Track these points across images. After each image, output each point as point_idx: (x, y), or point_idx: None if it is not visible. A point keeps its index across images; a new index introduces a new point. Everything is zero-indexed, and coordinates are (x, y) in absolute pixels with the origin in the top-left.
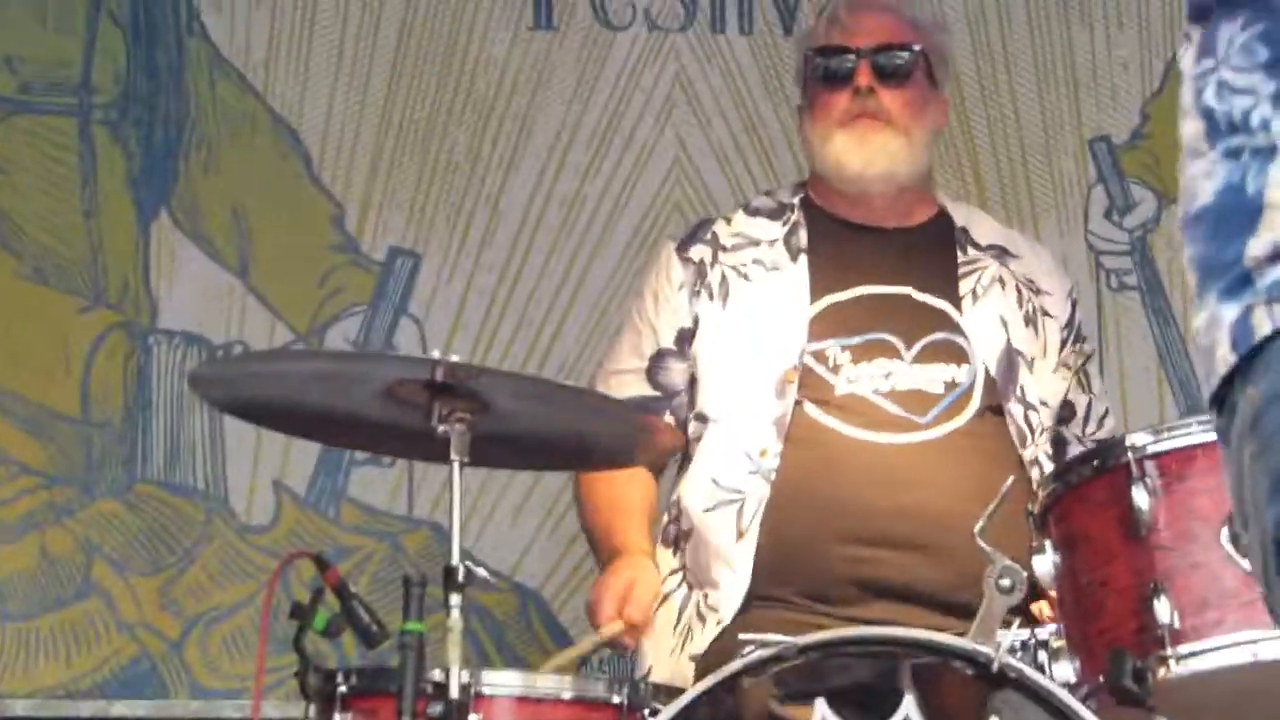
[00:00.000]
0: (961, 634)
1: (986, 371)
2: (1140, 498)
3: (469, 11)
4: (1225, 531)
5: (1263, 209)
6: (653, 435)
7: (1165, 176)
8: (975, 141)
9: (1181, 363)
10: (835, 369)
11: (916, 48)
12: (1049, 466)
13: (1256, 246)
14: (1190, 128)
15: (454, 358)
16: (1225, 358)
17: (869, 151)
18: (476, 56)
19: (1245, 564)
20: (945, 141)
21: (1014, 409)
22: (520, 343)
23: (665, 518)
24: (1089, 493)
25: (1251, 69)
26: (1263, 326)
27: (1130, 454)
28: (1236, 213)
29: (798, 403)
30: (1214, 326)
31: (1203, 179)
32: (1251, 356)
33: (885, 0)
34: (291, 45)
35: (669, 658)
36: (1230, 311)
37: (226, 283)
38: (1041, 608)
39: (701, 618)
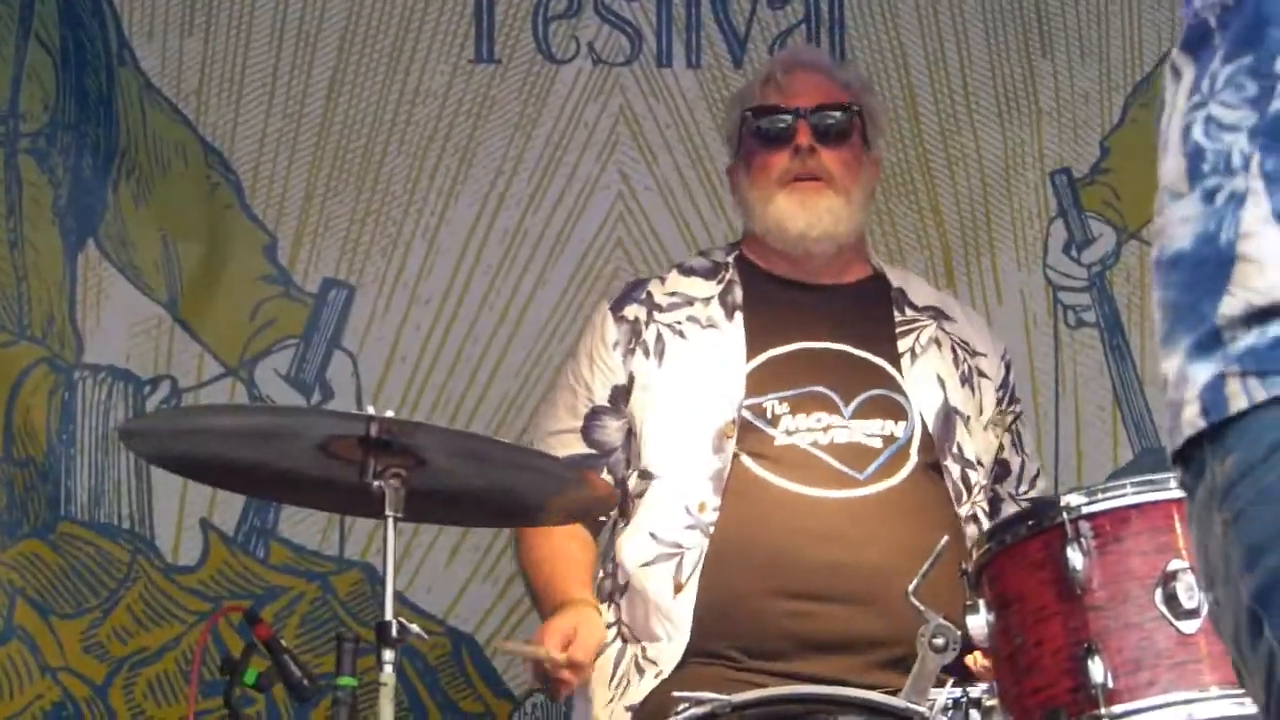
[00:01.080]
0: (897, 690)
1: (924, 428)
2: (1075, 558)
3: (408, 44)
4: (1159, 592)
5: (1235, 260)
6: (588, 492)
7: (1125, 211)
8: (934, 176)
9: (1137, 401)
10: (774, 421)
11: (854, 107)
12: (985, 524)
13: (1230, 305)
14: (1171, 166)
15: (389, 413)
16: (1193, 421)
17: (811, 214)
18: (415, 88)
19: (1179, 624)
20: (903, 176)
21: (951, 466)
22: (458, 379)
23: (601, 573)
24: (1023, 552)
25: (1239, 104)
26: (1237, 400)
27: (1065, 514)
28: (1210, 263)
29: (736, 456)
30: (1182, 384)
31: (1179, 223)
32: (1222, 424)
33: (819, 61)
34: (224, 74)
35: (604, 709)
36: (1201, 373)
37: (155, 315)
38: (976, 658)
39: (640, 670)
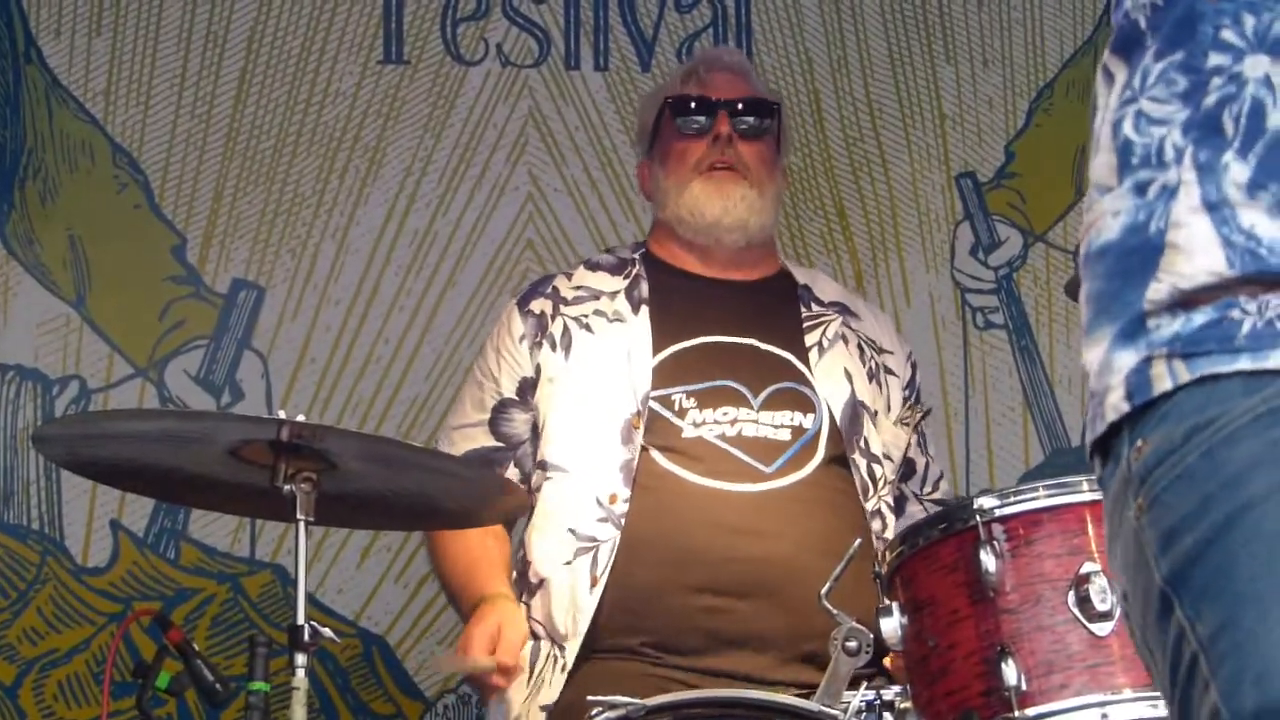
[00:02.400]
0: (810, 689)
1: (832, 421)
2: (987, 561)
3: (316, 44)
4: (1072, 595)
5: (1163, 249)
6: (499, 495)
7: (1031, 215)
8: (839, 181)
9: (1047, 402)
10: (681, 413)
11: (774, 106)
12: (891, 518)
13: (1156, 291)
14: (1101, 162)
15: (300, 417)
16: (1117, 405)
17: (727, 200)
18: (325, 89)
19: (1092, 627)
20: (809, 181)
21: (858, 460)
22: (369, 379)
23: (514, 571)
24: (936, 555)
25: (1169, 98)
26: (1162, 381)
27: (978, 517)
28: (1139, 252)
29: (644, 449)
30: (1106, 371)
31: (1109, 215)
32: (1144, 407)
33: (741, 64)
34: (133, 73)
35: (522, 706)
36: (1126, 359)
37: (63, 314)
38: (894, 658)
39: (554, 668)
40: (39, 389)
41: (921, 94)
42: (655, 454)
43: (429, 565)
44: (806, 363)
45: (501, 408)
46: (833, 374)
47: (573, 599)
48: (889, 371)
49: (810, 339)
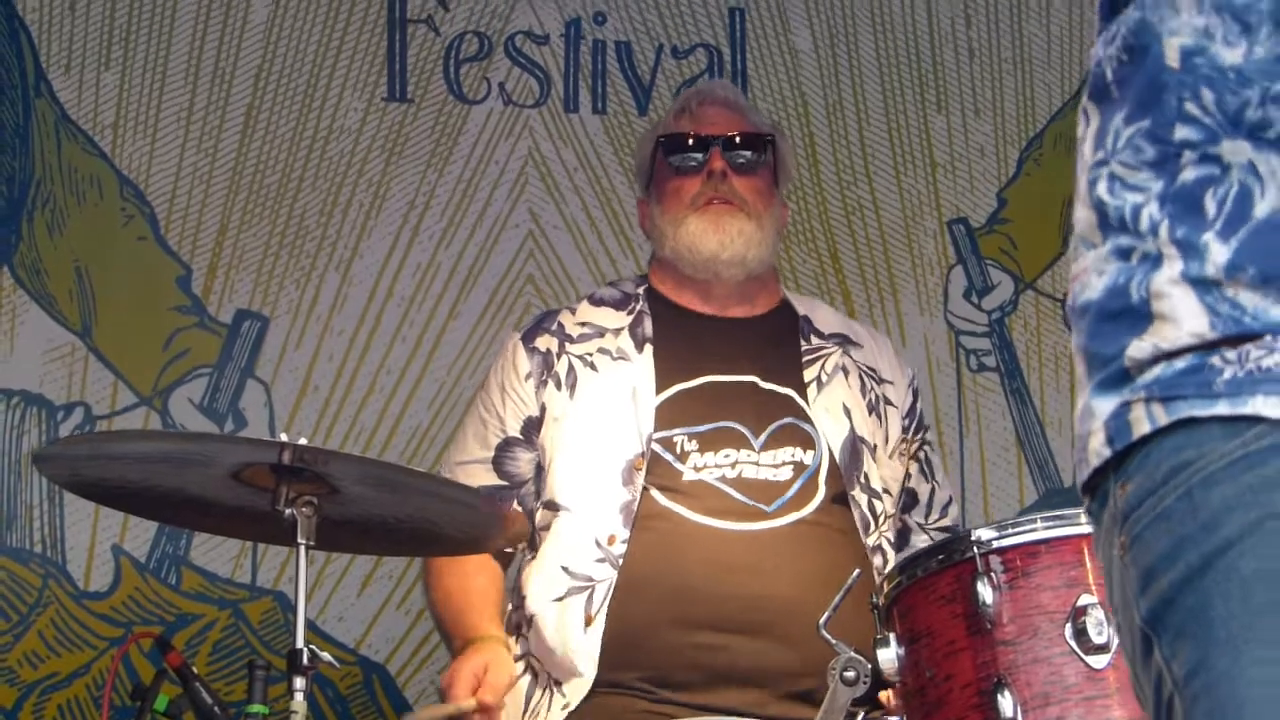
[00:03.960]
0: None
1: (831, 458)
2: (985, 592)
3: (322, 81)
4: (1069, 627)
5: (1149, 318)
6: (501, 522)
7: (1022, 261)
8: (832, 223)
9: (1039, 444)
10: (683, 456)
11: (767, 138)
12: (891, 554)
13: (1138, 349)
14: (1083, 216)
15: (301, 441)
16: (1099, 450)
17: (724, 234)
18: (330, 125)
19: (1089, 659)
20: (803, 225)
21: (858, 496)
22: (370, 410)
23: (509, 605)
24: (934, 586)
25: (1139, 166)
26: (1140, 425)
27: (975, 549)
28: (1121, 316)
29: (645, 489)
30: (1088, 417)
31: (1093, 273)
32: (1125, 451)
33: (735, 98)
34: (140, 107)
35: None
36: (1106, 405)
37: (69, 343)
38: (889, 695)
39: (549, 703)
40: (44, 415)
41: (914, 141)
42: (655, 493)
43: (427, 608)
44: (805, 398)
45: (505, 446)
46: (832, 410)
47: (563, 635)
48: (888, 402)
49: (809, 374)
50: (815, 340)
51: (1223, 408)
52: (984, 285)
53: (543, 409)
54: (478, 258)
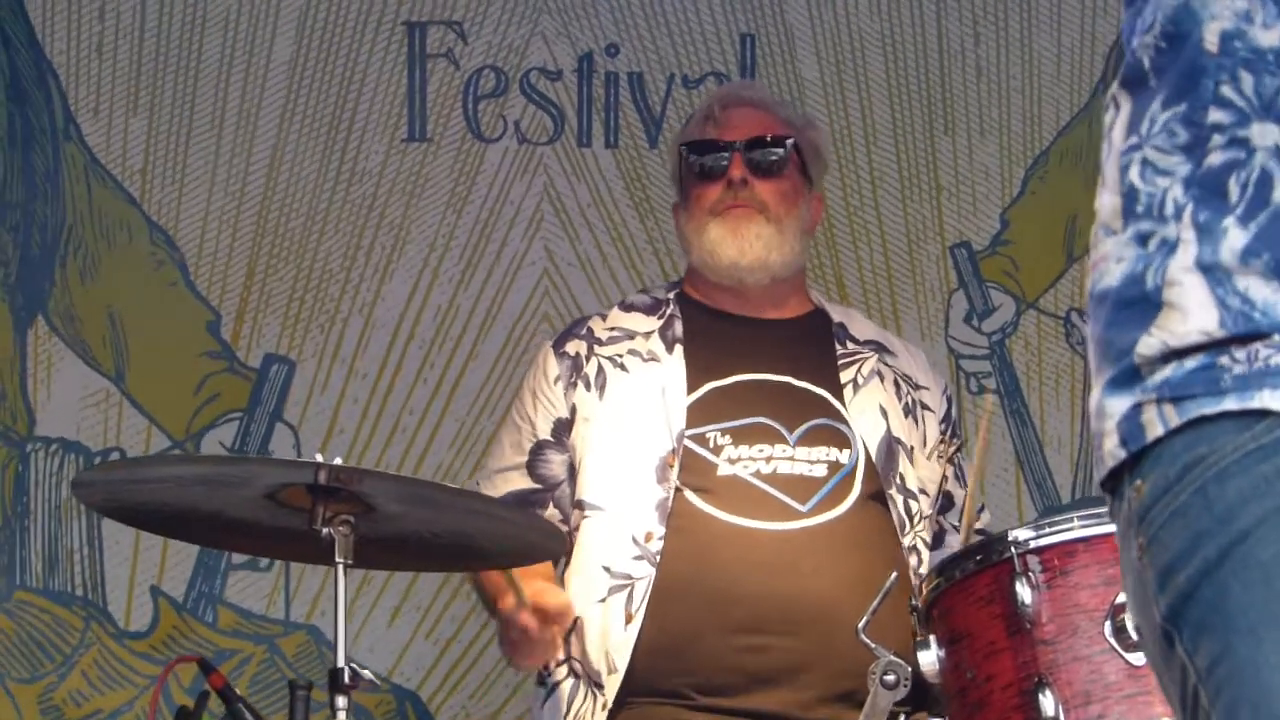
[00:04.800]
0: None
1: (868, 457)
2: (1023, 592)
3: (344, 123)
4: (1108, 625)
5: (1161, 306)
6: (540, 537)
7: (1024, 282)
8: (838, 247)
9: (1039, 464)
10: (716, 450)
11: (789, 141)
12: (926, 554)
13: (1147, 345)
14: (1107, 202)
15: (337, 460)
16: (1114, 451)
17: (742, 240)
18: (352, 168)
19: (1129, 656)
20: (809, 249)
21: (895, 496)
22: (395, 449)
23: None
24: (972, 588)
25: (1172, 150)
26: (1153, 427)
27: (1013, 549)
28: (1136, 304)
29: (678, 489)
30: (1101, 416)
31: (1112, 260)
32: (1140, 451)
33: (759, 97)
34: (168, 152)
35: None
36: (1119, 404)
37: (103, 389)
38: None
39: (591, 707)
40: (81, 461)
41: (920, 165)
42: (690, 494)
43: (458, 622)
44: (842, 399)
45: (538, 449)
46: (868, 411)
47: (605, 635)
48: (925, 407)
49: (845, 376)
50: (851, 345)
51: (1231, 403)
52: (985, 308)
53: (573, 410)
54: (495, 299)
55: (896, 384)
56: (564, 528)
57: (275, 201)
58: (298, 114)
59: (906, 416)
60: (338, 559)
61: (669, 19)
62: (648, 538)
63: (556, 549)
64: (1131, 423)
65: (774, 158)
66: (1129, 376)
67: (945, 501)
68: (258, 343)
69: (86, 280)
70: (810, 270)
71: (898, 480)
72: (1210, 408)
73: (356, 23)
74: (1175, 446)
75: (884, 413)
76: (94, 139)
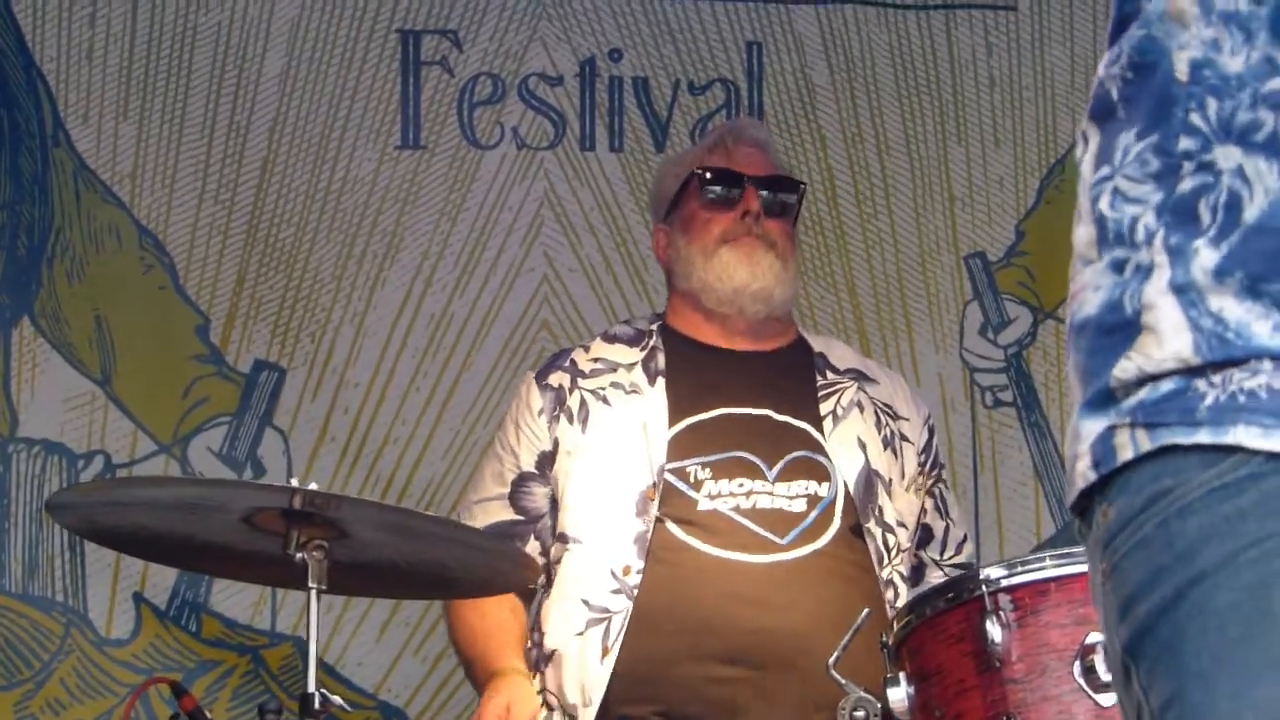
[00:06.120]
0: None
1: (847, 491)
2: (993, 631)
3: (336, 131)
4: (1078, 665)
5: (1140, 330)
6: (513, 566)
7: (1040, 292)
8: (851, 259)
9: (1058, 476)
10: (696, 485)
11: (800, 184)
12: (904, 588)
13: (1124, 369)
14: (1083, 233)
15: (312, 486)
16: (1085, 474)
17: (756, 267)
18: (344, 175)
19: (1097, 697)
20: (820, 259)
21: (873, 529)
22: (386, 459)
23: (529, 642)
24: (943, 625)
25: (1143, 179)
26: (1124, 450)
27: (984, 587)
28: (1116, 330)
29: (659, 521)
30: (1076, 439)
31: (1090, 289)
32: (1109, 475)
33: (767, 140)
34: (158, 158)
35: None
36: (1093, 427)
37: (89, 391)
38: None
39: None
40: (64, 463)
41: (932, 175)
42: (670, 526)
43: (448, 637)
44: (821, 432)
45: (521, 481)
46: (847, 443)
47: (582, 668)
48: (904, 438)
49: (825, 407)
50: (831, 375)
51: (1204, 436)
52: (1000, 320)
53: (555, 443)
54: (491, 306)
55: (876, 415)
56: (544, 560)
57: (266, 210)
58: (289, 123)
59: (886, 449)
60: (311, 584)
61: (673, 25)
62: (625, 571)
63: (529, 579)
64: (1104, 445)
65: (786, 200)
66: (1104, 399)
67: (924, 534)
68: (247, 350)
69: (74, 282)
70: (821, 280)
71: (876, 513)
72: (1182, 438)
73: (349, 31)
74: (1143, 474)
75: (863, 445)
76: (83, 144)
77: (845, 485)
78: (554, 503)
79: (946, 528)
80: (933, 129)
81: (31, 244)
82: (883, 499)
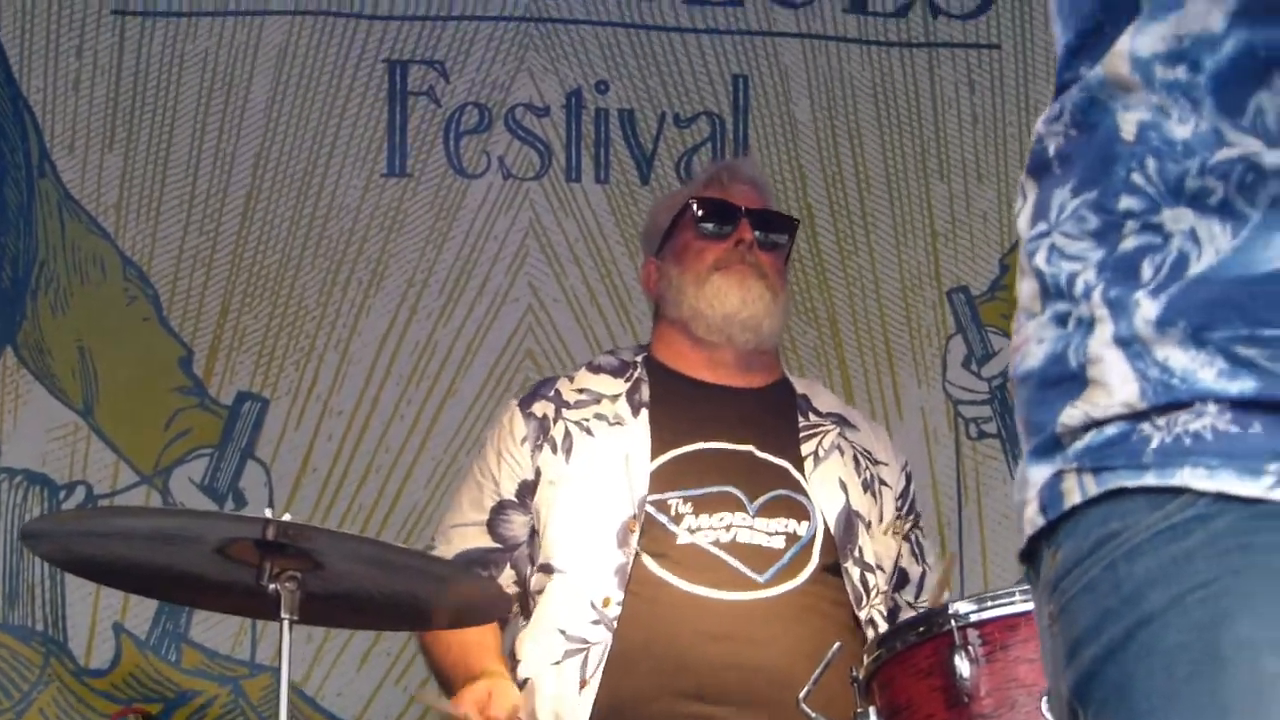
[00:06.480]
0: None
1: (826, 529)
2: (962, 666)
3: (322, 159)
4: (1045, 700)
5: (1085, 383)
6: (488, 600)
7: None
8: (833, 294)
9: None
10: (677, 518)
11: (794, 222)
12: (884, 627)
13: (1070, 416)
14: (1025, 287)
15: (286, 517)
16: (1033, 519)
17: (748, 293)
18: (330, 202)
19: None
20: (802, 295)
21: (851, 569)
22: (369, 488)
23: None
24: (912, 660)
25: (1081, 235)
26: (1071, 496)
27: (954, 622)
28: (1061, 382)
29: (637, 554)
30: (1024, 485)
31: (1034, 342)
32: (1058, 520)
33: (761, 179)
34: (143, 190)
35: None
36: (1040, 473)
37: (71, 422)
38: None
39: None
40: (45, 493)
41: (914, 210)
42: (649, 560)
43: (426, 665)
44: (802, 471)
45: (500, 509)
46: (828, 483)
47: (559, 699)
48: (883, 483)
49: (807, 448)
50: (813, 417)
51: (1151, 478)
52: (985, 353)
53: (538, 472)
54: (476, 334)
55: (856, 458)
56: (519, 590)
57: (250, 240)
58: (275, 150)
59: (865, 491)
60: (283, 615)
61: (659, 58)
62: (605, 602)
63: (502, 612)
64: (1051, 490)
65: (779, 236)
66: (1051, 446)
67: (900, 578)
68: (230, 380)
69: (57, 313)
70: (803, 315)
71: (855, 553)
72: (1129, 481)
73: (336, 60)
74: (1091, 518)
75: (844, 486)
76: (69, 175)
77: (825, 524)
78: (533, 532)
79: (923, 573)
80: (914, 165)
81: (16, 275)
82: (862, 539)
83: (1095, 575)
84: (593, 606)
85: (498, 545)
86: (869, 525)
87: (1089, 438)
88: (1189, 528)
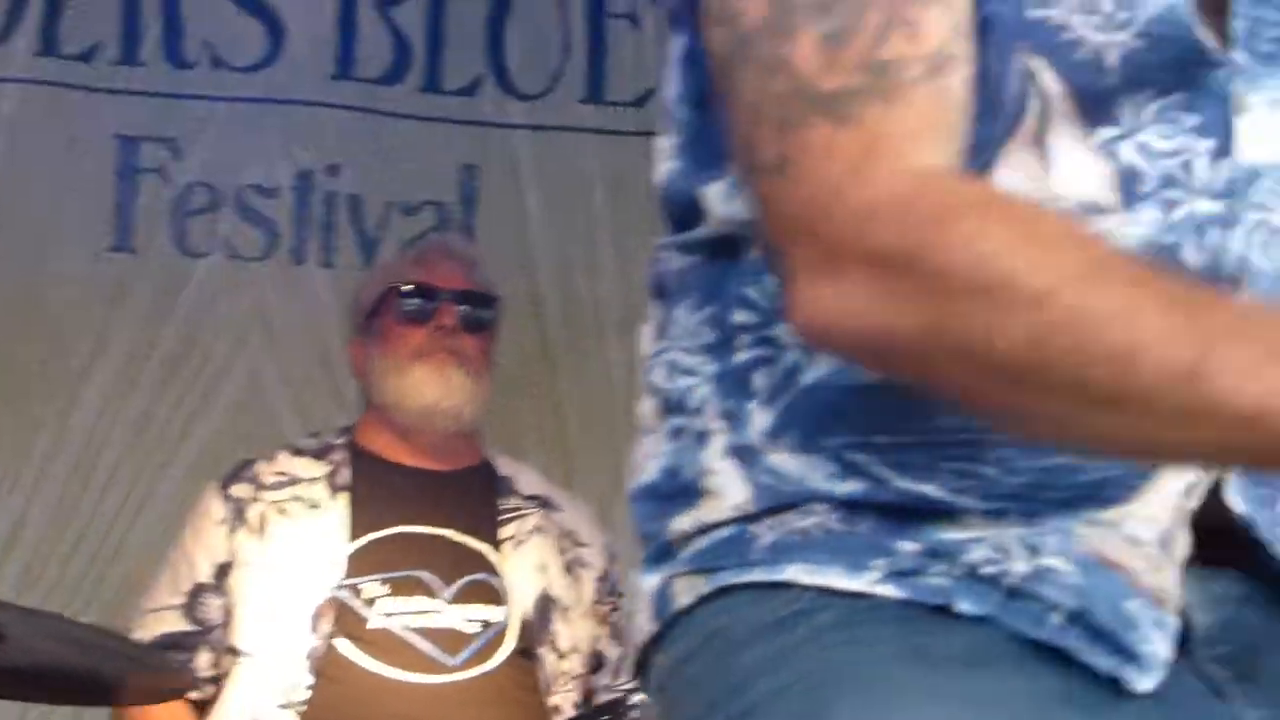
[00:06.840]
0: None
1: (521, 615)
2: None
3: (46, 230)
4: None
5: (699, 494)
6: (168, 674)
7: None
8: (558, 378)
9: None
10: (369, 603)
11: (495, 299)
12: (569, 713)
13: (681, 523)
14: (645, 406)
15: None
16: (644, 627)
17: (447, 385)
18: (52, 272)
19: None
20: (529, 377)
21: (545, 655)
22: (80, 559)
23: None
24: None
25: (697, 350)
26: (682, 597)
27: (635, 712)
28: (676, 496)
29: (331, 639)
30: (636, 597)
31: (650, 458)
32: (668, 624)
33: (468, 255)
34: None
35: None
36: (651, 581)
37: None
38: None
39: None
40: None
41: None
42: (342, 643)
43: None
44: (500, 555)
45: (197, 592)
46: (526, 568)
47: None
48: (584, 564)
49: (505, 531)
50: (515, 500)
51: (759, 574)
52: None
53: (233, 554)
54: (195, 412)
55: (558, 540)
56: (216, 672)
57: None
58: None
59: (566, 574)
60: None
61: (389, 144)
62: (294, 688)
63: (185, 690)
64: (662, 596)
65: (483, 315)
66: (663, 553)
67: (595, 661)
68: None
69: None
70: (529, 399)
71: (550, 639)
72: (738, 577)
73: (66, 133)
74: (701, 616)
75: (543, 570)
76: None
77: (522, 609)
78: (227, 615)
79: (621, 654)
80: (652, 246)
81: None
82: (558, 624)
83: (703, 668)
84: (281, 692)
85: (194, 628)
86: (566, 610)
87: (701, 542)
88: (795, 621)
